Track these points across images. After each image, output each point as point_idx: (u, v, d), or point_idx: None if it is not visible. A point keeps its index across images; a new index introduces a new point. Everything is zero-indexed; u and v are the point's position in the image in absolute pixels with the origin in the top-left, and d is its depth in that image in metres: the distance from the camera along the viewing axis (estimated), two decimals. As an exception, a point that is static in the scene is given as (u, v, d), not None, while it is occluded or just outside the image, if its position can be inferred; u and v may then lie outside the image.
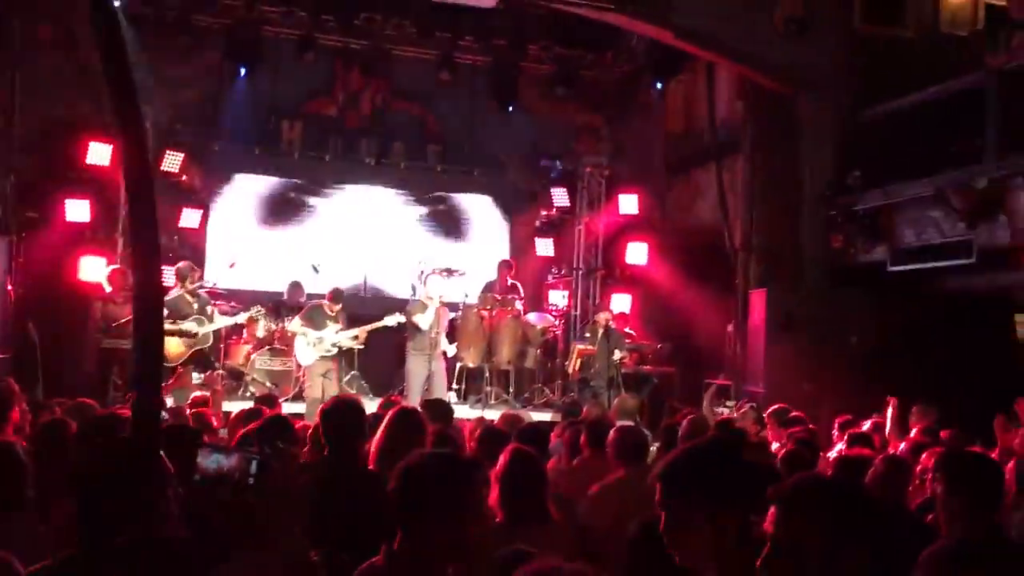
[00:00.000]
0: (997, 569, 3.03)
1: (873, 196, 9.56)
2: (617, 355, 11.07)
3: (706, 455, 2.27)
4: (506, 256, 13.26)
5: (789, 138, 10.44)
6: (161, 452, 2.66)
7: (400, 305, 10.59)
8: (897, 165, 9.42)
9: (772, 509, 1.87)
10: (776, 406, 7.63)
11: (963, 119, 8.72)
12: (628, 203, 12.84)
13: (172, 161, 11.60)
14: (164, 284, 9.45)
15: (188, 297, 9.80)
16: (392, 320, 10.19)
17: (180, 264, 9.98)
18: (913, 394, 7.09)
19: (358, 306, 11.44)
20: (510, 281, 12.34)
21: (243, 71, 12.61)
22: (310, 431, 5.02)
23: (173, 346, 9.72)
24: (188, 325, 9.76)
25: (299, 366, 10.57)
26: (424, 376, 10.09)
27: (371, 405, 8.95)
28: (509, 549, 2.38)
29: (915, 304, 9.69)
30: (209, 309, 10.07)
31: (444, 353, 10.48)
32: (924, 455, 4.42)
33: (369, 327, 10.37)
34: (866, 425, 6.73)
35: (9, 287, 9.10)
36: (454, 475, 2.44)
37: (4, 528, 2.92)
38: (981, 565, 3.04)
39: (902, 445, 5.61)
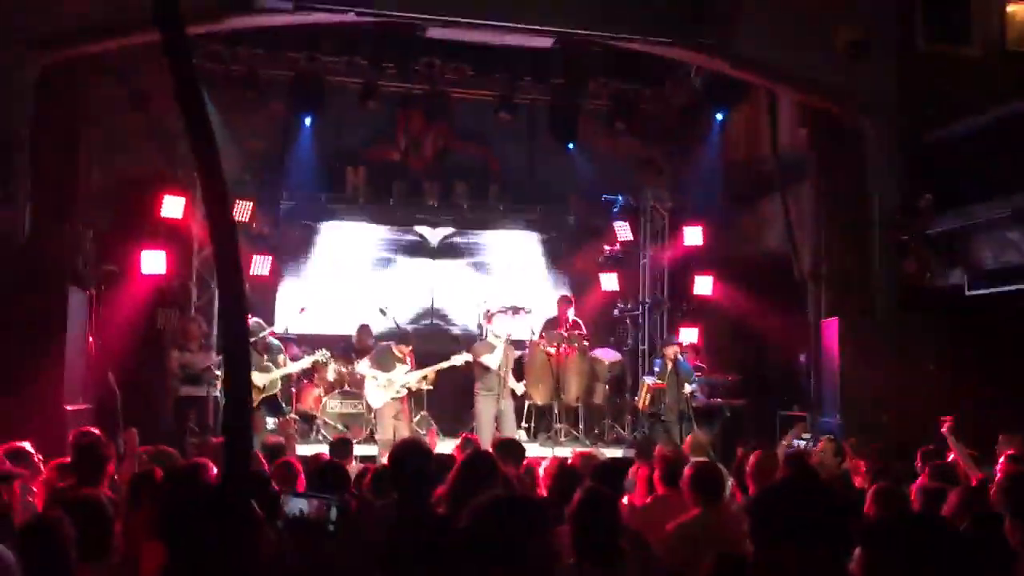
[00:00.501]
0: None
1: (947, 219, 9.33)
2: (687, 389, 10.93)
3: (782, 495, 2.27)
4: (568, 292, 13.24)
5: (855, 163, 10.26)
6: (251, 499, 2.70)
7: (468, 340, 10.64)
8: (969, 187, 9.19)
9: (858, 550, 1.81)
10: (853, 438, 7.47)
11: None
12: (692, 235, 12.74)
13: (242, 210, 11.90)
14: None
15: (254, 351, 10.21)
16: (459, 360, 10.28)
17: (250, 322, 10.34)
18: (995, 421, 6.85)
19: (426, 343, 11.53)
20: (572, 317, 12.32)
21: (308, 120, 12.92)
22: (370, 473, 5.06)
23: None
24: (254, 373, 10.07)
25: (370, 408, 10.69)
26: (493, 415, 10.11)
27: (442, 445, 9.02)
28: None
29: (994, 329, 9.39)
30: (281, 357, 10.36)
31: (513, 392, 10.49)
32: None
33: (437, 367, 10.46)
34: (951, 456, 6.51)
35: (91, 339, 9.38)
36: (522, 519, 2.42)
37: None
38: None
39: (997, 473, 5.40)
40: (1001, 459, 6.06)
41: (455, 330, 13.28)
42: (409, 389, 10.46)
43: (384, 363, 10.38)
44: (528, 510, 2.47)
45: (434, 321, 13.36)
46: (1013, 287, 8.63)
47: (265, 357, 10.37)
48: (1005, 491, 3.32)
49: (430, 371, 10.51)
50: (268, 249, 12.52)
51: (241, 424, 1.10)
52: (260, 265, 12.22)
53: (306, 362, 10.82)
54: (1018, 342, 9.13)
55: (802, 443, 9.29)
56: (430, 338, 12.47)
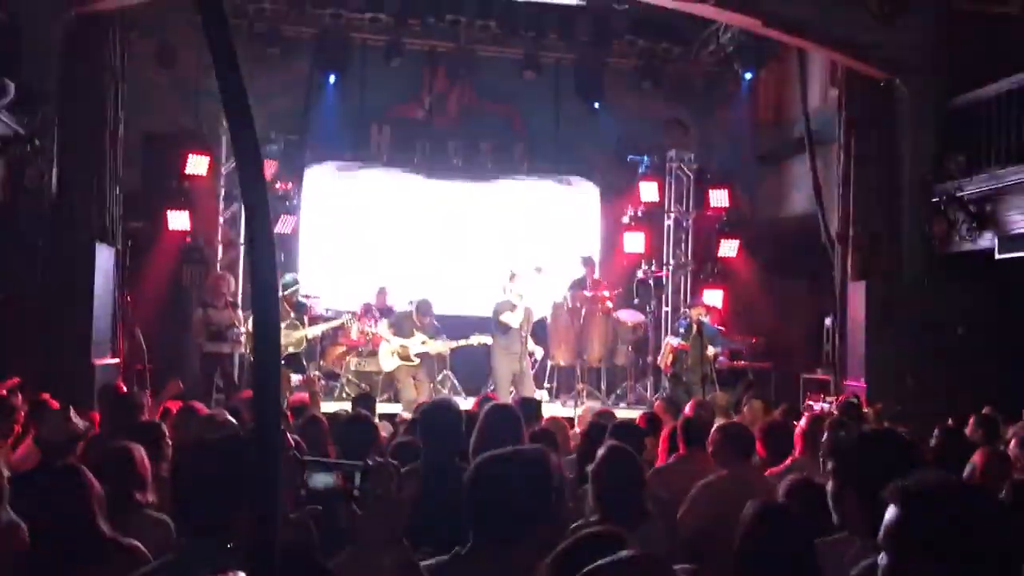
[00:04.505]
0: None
1: (979, 181, 9.18)
2: (711, 351, 10.89)
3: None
4: (595, 253, 13.18)
5: (886, 124, 10.09)
6: (290, 454, 2.70)
7: (485, 325, 10.63)
8: (1001, 148, 9.02)
9: (891, 510, 1.75)
10: (879, 404, 7.43)
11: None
12: (718, 197, 12.62)
13: (266, 170, 11.90)
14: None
15: (285, 305, 10.37)
16: (476, 340, 10.40)
17: (287, 276, 10.63)
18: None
19: (447, 310, 11.63)
20: (596, 278, 12.29)
21: (332, 78, 12.85)
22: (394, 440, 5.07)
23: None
24: (283, 331, 10.21)
25: (389, 370, 10.88)
26: (511, 374, 10.13)
27: (463, 404, 9.06)
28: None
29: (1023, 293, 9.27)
30: (305, 318, 10.63)
31: (531, 354, 10.51)
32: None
33: (455, 344, 10.66)
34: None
35: (118, 295, 9.47)
36: (528, 471, 2.33)
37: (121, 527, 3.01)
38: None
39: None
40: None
41: (478, 296, 13.02)
42: (424, 356, 10.64)
43: (402, 329, 10.51)
44: (534, 462, 2.36)
45: (457, 286, 13.25)
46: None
47: (292, 315, 10.52)
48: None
49: (446, 346, 10.72)
50: (291, 208, 12.53)
51: (270, 381, 1.08)
52: (284, 224, 12.24)
53: (331, 325, 11.08)
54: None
55: (825, 406, 9.25)
56: (452, 307, 12.41)
